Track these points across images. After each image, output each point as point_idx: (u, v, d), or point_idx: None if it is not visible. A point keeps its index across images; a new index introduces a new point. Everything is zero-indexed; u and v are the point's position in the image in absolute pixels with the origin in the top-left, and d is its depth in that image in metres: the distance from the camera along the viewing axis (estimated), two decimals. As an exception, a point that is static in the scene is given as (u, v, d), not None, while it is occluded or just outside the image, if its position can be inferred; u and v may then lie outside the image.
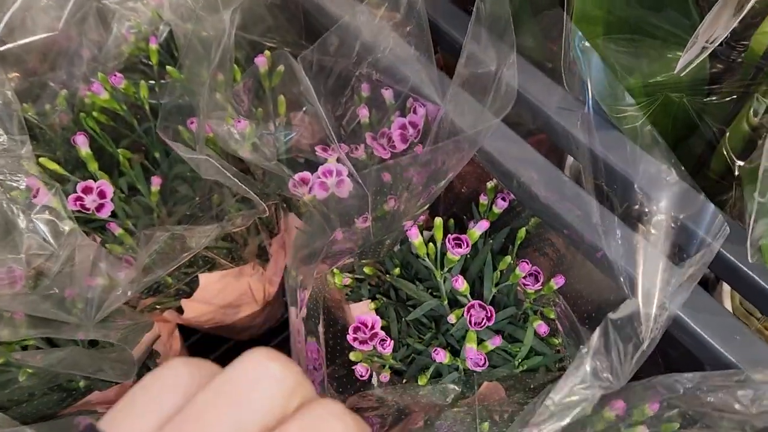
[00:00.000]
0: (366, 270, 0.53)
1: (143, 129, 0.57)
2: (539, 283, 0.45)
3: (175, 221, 0.55)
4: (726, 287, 0.55)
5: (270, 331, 0.77)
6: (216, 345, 0.78)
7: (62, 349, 0.41)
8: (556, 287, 0.45)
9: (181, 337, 0.66)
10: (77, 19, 0.55)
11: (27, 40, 0.54)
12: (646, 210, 0.41)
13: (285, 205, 0.60)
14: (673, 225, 0.38)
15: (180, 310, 0.60)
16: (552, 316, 0.45)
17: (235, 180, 0.41)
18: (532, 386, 0.52)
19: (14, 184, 0.46)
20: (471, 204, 0.54)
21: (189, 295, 0.58)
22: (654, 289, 0.37)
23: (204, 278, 0.57)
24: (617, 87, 0.43)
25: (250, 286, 0.62)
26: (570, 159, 0.54)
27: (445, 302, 0.50)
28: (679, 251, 0.39)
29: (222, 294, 0.60)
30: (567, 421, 0.31)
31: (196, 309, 0.59)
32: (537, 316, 0.47)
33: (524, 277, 0.45)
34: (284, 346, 0.73)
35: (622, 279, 0.39)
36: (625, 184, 0.42)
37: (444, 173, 0.44)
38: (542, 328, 0.45)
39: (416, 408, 0.51)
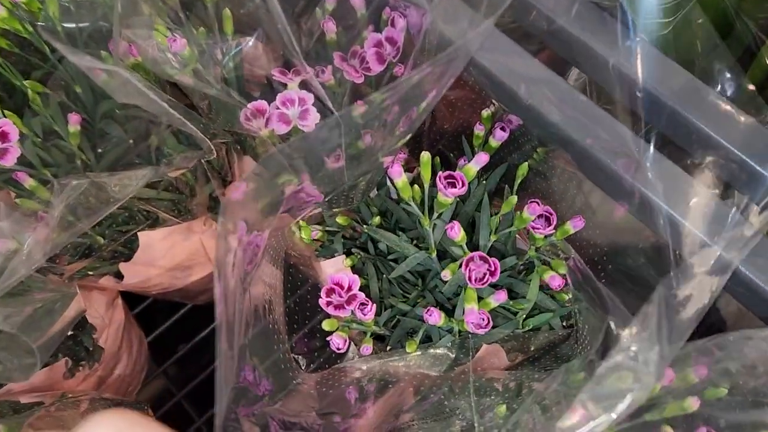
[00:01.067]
0: (339, 220, 0.45)
1: (58, 58, 0.46)
2: (551, 227, 0.37)
3: (105, 169, 0.46)
4: None
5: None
6: (170, 311, 0.70)
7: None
8: (572, 231, 0.37)
9: (125, 306, 0.57)
10: None
11: None
12: (697, 146, 0.33)
13: (239, 147, 0.50)
14: (733, 165, 0.31)
15: (119, 276, 0.51)
16: (561, 269, 0.38)
17: (163, 105, 0.31)
18: (532, 348, 0.45)
19: None
20: (460, 138, 0.46)
21: (128, 258, 0.49)
22: (707, 239, 0.30)
23: (144, 237, 0.48)
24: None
25: (202, 243, 0.53)
26: (574, 73, 0.45)
27: (434, 254, 0.42)
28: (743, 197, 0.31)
29: (169, 254, 0.51)
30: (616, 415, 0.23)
31: (139, 273, 0.50)
32: (546, 267, 0.39)
33: (533, 220, 0.37)
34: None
35: (661, 222, 0.31)
36: (670, 113, 0.34)
37: (426, 92, 0.35)
38: (556, 281, 0.37)
39: (403, 378, 0.43)
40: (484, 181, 0.45)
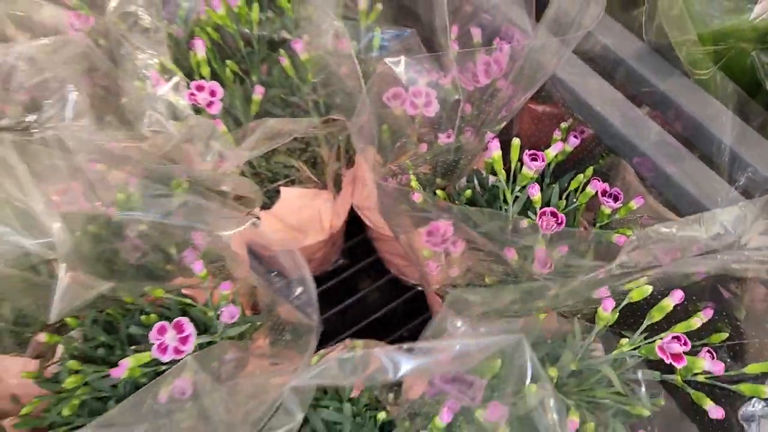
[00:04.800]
0: (438, 193, 0.58)
1: (246, 52, 0.62)
2: (619, 202, 0.49)
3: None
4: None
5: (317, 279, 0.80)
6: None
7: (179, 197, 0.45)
8: (635, 207, 0.48)
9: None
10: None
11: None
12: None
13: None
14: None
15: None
16: (629, 232, 0.48)
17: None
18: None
19: (144, 72, 0.52)
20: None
21: (267, 208, 0.63)
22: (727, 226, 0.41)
23: (285, 191, 0.62)
24: (690, 31, 0.47)
25: (320, 212, 0.67)
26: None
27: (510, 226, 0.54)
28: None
29: (297, 213, 0.64)
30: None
31: (271, 223, 0.64)
32: (612, 232, 0.50)
33: (603, 196, 0.49)
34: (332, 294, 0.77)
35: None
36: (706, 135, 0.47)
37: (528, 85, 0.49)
38: (621, 239, 0.47)
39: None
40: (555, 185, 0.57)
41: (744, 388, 0.42)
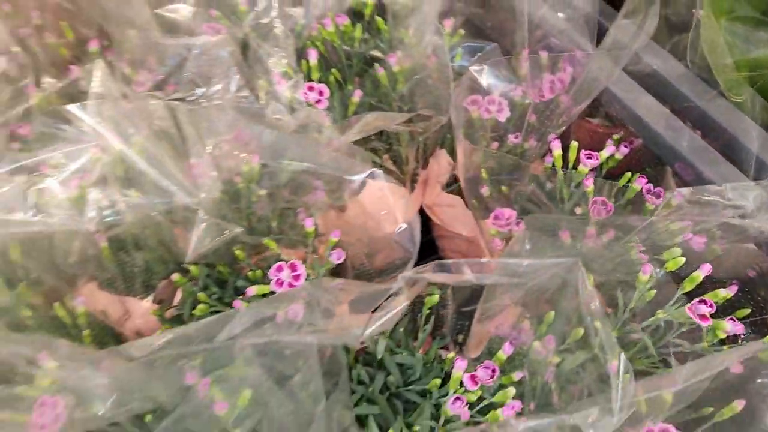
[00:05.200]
0: (503, 188, 0.67)
1: (346, 64, 0.74)
2: (660, 199, 0.58)
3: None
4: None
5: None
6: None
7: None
8: (676, 203, 0.57)
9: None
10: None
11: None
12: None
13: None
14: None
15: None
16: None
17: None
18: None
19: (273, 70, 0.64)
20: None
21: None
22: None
23: (371, 182, 0.72)
24: (728, 58, 0.57)
25: (396, 206, 0.77)
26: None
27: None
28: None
29: (379, 201, 0.75)
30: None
31: (355, 208, 0.74)
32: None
33: (648, 193, 0.58)
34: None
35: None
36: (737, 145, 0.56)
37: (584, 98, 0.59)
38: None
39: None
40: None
41: (762, 355, 0.50)
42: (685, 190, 0.47)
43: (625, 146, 0.64)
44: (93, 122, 0.51)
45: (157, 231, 0.58)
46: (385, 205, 0.76)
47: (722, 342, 0.52)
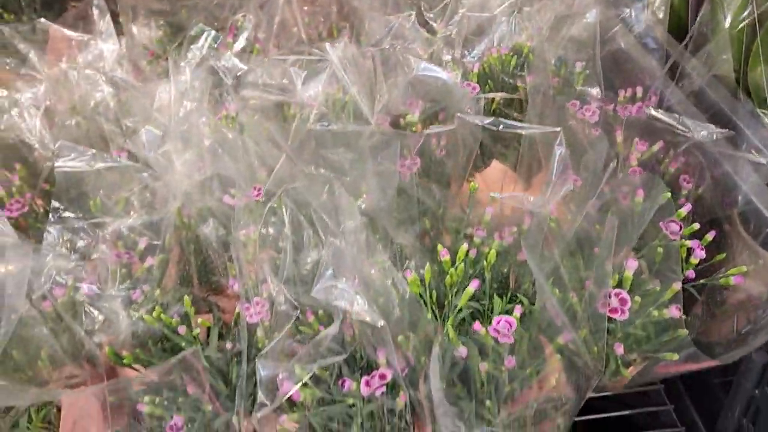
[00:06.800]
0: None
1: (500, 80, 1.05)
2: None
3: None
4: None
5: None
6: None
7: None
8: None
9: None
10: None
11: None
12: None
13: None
14: None
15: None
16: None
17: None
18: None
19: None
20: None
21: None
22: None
23: (496, 162, 0.99)
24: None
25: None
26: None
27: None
28: None
29: (494, 185, 1.01)
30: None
31: (480, 181, 1.01)
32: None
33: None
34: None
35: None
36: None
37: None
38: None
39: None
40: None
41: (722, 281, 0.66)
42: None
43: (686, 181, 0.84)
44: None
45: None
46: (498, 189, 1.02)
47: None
